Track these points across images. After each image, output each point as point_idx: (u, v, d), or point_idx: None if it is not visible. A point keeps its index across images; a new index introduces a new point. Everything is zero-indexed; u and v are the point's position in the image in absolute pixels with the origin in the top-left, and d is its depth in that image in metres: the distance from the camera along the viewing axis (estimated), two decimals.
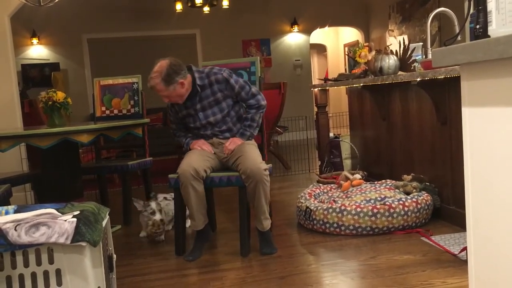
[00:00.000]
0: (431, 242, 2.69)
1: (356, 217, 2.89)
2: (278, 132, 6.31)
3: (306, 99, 9.42)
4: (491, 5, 1.10)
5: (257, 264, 2.57)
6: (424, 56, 3.61)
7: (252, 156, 2.68)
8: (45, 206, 1.87)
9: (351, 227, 2.91)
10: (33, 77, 8.64)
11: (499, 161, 1.07)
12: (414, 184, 3.16)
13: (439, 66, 1.16)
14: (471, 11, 1.38)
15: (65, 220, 1.65)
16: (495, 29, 1.11)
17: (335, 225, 2.94)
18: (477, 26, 1.17)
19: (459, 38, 1.62)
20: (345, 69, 10.67)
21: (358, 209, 2.89)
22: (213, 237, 3.17)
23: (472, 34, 1.30)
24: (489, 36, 1.13)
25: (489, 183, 1.11)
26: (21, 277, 1.64)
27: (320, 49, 12.64)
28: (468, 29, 1.48)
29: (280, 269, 2.47)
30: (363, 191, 3.14)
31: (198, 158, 2.73)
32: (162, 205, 3.12)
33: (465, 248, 2.43)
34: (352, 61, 4.24)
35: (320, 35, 11.31)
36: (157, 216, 3.01)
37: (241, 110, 2.93)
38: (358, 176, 3.51)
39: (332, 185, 3.67)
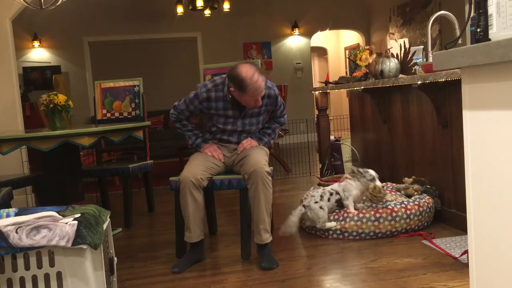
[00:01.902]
0: (432, 245, 2.69)
1: (359, 223, 2.88)
2: (279, 134, 6.31)
3: (306, 102, 9.43)
4: (491, 8, 1.10)
5: (258, 267, 2.56)
6: (425, 59, 3.62)
7: (257, 157, 2.66)
8: (46, 208, 1.87)
9: (354, 233, 2.90)
10: (35, 80, 8.66)
11: (500, 164, 1.07)
12: (416, 186, 3.16)
13: (440, 69, 1.16)
14: (472, 14, 1.38)
15: (66, 223, 1.65)
16: (496, 32, 1.11)
17: (338, 232, 2.93)
18: (478, 30, 1.17)
19: (459, 41, 1.62)
20: (346, 72, 10.67)
21: (360, 215, 2.89)
22: (214, 240, 3.17)
23: (473, 37, 1.31)
24: (490, 40, 1.13)
25: (490, 186, 1.11)
26: (22, 280, 1.64)
27: (321, 52, 12.66)
28: (468, 32, 1.48)
29: (281, 272, 2.47)
30: None
31: (202, 165, 2.69)
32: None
33: (466, 252, 2.43)
34: (353, 64, 4.24)
35: (321, 38, 11.33)
36: (378, 182, 2.98)
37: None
38: None
39: None
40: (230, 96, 2.69)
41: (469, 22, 1.45)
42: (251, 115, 2.80)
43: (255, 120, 2.84)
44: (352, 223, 2.89)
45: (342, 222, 2.91)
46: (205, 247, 2.86)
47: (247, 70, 2.56)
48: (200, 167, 2.67)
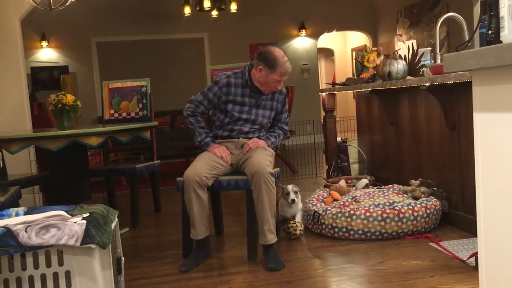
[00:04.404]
0: (439, 248, 2.68)
1: (365, 221, 2.88)
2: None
3: (313, 103, 9.42)
4: (503, 10, 1.10)
5: (264, 268, 2.56)
6: (432, 61, 3.60)
7: (260, 158, 2.67)
8: (55, 208, 1.88)
9: (360, 232, 2.90)
10: (43, 80, 8.71)
11: (511, 166, 1.07)
12: (423, 189, 3.15)
13: (451, 71, 1.16)
14: (483, 16, 1.37)
15: (75, 222, 1.66)
16: (507, 34, 1.10)
17: (344, 229, 2.93)
18: (489, 32, 1.17)
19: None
20: (353, 74, 10.63)
21: (368, 214, 2.89)
22: (220, 241, 3.17)
23: (483, 40, 1.30)
24: (501, 42, 1.13)
25: (501, 189, 1.10)
26: (31, 278, 1.66)
27: (327, 53, 12.65)
28: (477, 34, 1.48)
29: (288, 274, 2.47)
30: (371, 195, 3.13)
31: (207, 164, 2.69)
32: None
33: (474, 254, 2.42)
34: (359, 66, 4.23)
35: (328, 40, 11.32)
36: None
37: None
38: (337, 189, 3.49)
39: None
40: (249, 82, 2.84)
41: (479, 24, 1.45)
42: (264, 106, 2.91)
43: (267, 113, 2.93)
44: (359, 221, 2.89)
45: (349, 219, 2.91)
46: (212, 244, 2.88)
47: (279, 51, 2.78)
48: (204, 166, 2.68)
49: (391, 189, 3.30)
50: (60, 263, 1.66)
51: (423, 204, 2.96)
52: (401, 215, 2.87)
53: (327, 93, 4.68)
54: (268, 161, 2.70)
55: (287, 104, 3.04)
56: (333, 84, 4.76)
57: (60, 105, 3.20)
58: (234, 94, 2.85)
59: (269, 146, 2.90)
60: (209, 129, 2.97)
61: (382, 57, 3.77)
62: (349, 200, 3.20)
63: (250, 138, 2.88)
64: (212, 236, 3.10)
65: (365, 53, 4.06)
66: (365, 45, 10.03)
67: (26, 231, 1.61)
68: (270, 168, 2.63)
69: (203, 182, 2.62)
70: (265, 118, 2.92)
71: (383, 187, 3.49)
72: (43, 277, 1.66)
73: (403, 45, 4.03)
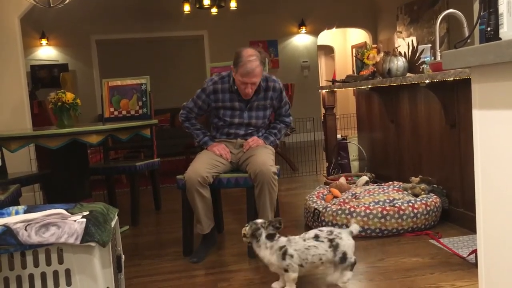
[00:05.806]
0: (439, 245, 2.68)
1: (365, 218, 2.88)
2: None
3: (313, 100, 9.41)
4: (502, 7, 1.09)
5: (264, 266, 2.56)
6: (432, 58, 3.60)
7: (264, 157, 2.68)
8: (54, 206, 1.88)
9: (360, 229, 2.89)
10: (42, 78, 8.70)
11: (510, 163, 1.06)
12: (423, 186, 3.15)
13: (450, 68, 1.15)
14: (481, 12, 1.37)
15: (75, 221, 1.66)
16: (506, 31, 1.10)
17: (344, 227, 2.93)
18: (488, 29, 1.16)
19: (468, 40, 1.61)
20: (353, 71, 10.63)
21: (368, 211, 2.89)
22: (221, 238, 3.17)
23: (482, 36, 1.30)
24: (500, 39, 1.12)
25: (500, 186, 1.10)
26: (31, 277, 1.66)
27: (327, 50, 12.62)
28: (477, 31, 1.47)
29: None
30: (371, 193, 3.13)
31: (207, 163, 2.71)
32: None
33: (474, 251, 2.42)
34: (359, 63, 4.23)
35: (328, 37, 11.30)
36: None
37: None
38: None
39: None
40: (235, 87, 2.78)
41: (478, 21, 1.44)
42: (257, 107, 2.86)
43: (261, 113, 2.89)
44: (359, 218, 2.89)
45: (349, 216, 2.91)
46: (215, 233, 2.93)
47: (247, 50, 2.69)
48: (205, 165, 2.69)
49: (391, 186, 3.30)
50: (60, 261, 1.66)
51: (423, 201, 2.96)
52: (401, 212, 2.87)
53: (327, 90, 4.68)
54: (271, 160, 2.72)
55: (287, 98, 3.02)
56: (333, 81, 4.75)
57: (60, 103, 3.20)
58: (222, 100, 2.83)
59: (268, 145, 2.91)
60: (208, 129, 2.98)
61: (382, 54, 3.76)
62: (349, 197, 3.20)
63: (247, 138, 2.88)
64: None
65: (365, 50, 4.05)
66: (365, 42, 10.02)
67: (26, 230, 1.61)
68: (274, 167, 2.65)
69: (204, 181, 2.64)
70: (260, 119, 2.90)
71: (383, 184, 3.49)
72: (43, 276, 1.66)
73: (403, 42, 4.03)
